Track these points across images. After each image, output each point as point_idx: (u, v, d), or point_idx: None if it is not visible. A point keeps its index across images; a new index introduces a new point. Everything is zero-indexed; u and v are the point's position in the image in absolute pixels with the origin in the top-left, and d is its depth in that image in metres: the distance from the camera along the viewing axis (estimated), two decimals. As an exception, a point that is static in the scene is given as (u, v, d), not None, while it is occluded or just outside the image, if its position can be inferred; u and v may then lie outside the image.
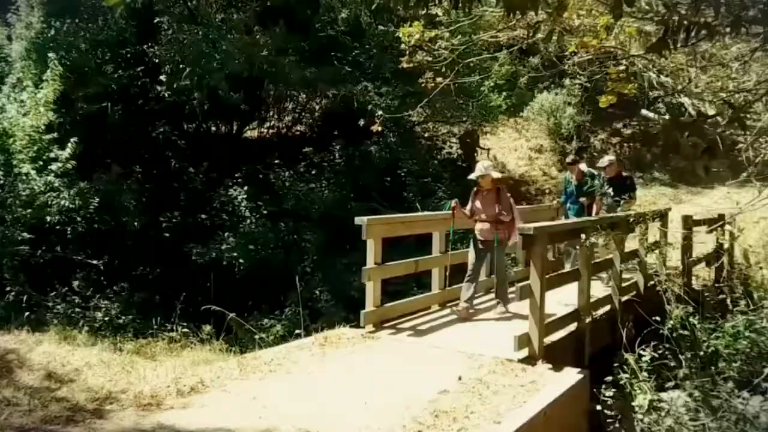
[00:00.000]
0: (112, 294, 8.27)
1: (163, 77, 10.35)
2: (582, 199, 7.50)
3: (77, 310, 7.57)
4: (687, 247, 7.47)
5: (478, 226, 5.94)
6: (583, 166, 7.84)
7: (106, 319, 7.50)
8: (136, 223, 9.33)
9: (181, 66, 10.18)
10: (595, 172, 7.55)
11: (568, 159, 8.30)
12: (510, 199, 5.97)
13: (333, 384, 4.10)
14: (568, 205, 7.80)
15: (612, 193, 7.11)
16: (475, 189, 6.06)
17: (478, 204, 6.00)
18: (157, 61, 10.43)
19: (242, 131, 13.06)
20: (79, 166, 8.95)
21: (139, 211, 9.53)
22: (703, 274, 8.52)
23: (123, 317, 7.65)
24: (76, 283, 8.26)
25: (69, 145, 8.66)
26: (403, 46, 5.72)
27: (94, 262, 8.47)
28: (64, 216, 8.64)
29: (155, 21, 10.67)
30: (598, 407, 4.43)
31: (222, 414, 3.54)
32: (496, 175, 5.98)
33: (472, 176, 6.01)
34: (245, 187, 9.93)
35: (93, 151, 10.08)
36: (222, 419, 3.46)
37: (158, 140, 10.64)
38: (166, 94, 10.41)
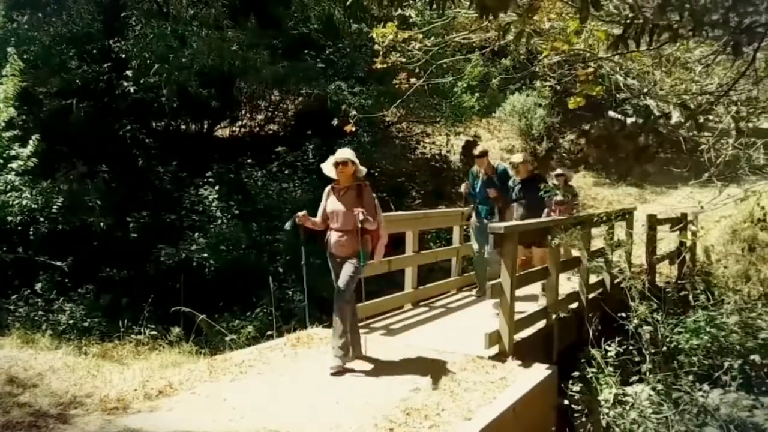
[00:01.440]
0: (77, 296, 8.05)
1: (130, 73, 10.12)
2: (489, 190, 6.49)
3: (40, 313, 7.36)
4: (651, 245, 7.69)
5: (333, 237, 4.43)
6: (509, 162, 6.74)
7: (71, 322, 7.31)
8: (102, 224, 9.10)
9: (149, 62, 9.97)
10: (508, 167, 6.58)
11: (476, 150, 6.91)
12: (375, 201, 4.52)
13: (305, 384, 4.08)
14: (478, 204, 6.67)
15: (521, 198, 6.23)
16: (330, 186, 4.57)
17: (332, 206, 4.46)
18: (124, 56, 10.19)
19: (213, 130, 12.87)
20: (41, 164, 8.67)
21: (105, 211, 9.30)
22: (666, 271, 8.78)
23: (88, 320, 7.47)
24: (39, 285, 8.03)
25: (31, 142, 8.38)
26: (376, 46, 5.74)
27: (58, 263, 8.22)
28: (27, 216, 8.37)
29: (122, 15, 10.44)
30: (566, 402, 4.53)
31: (191, 417, 3.48)
32: (362, 169, 4.46)
33: (325, 167, 4.50)
34: (216, 187, 9.79)
35: (56, 149, 9.80)
36: (191, 422, 3.41)
37: (125, 138, 10.40)
38: (133, 90, 10.18)
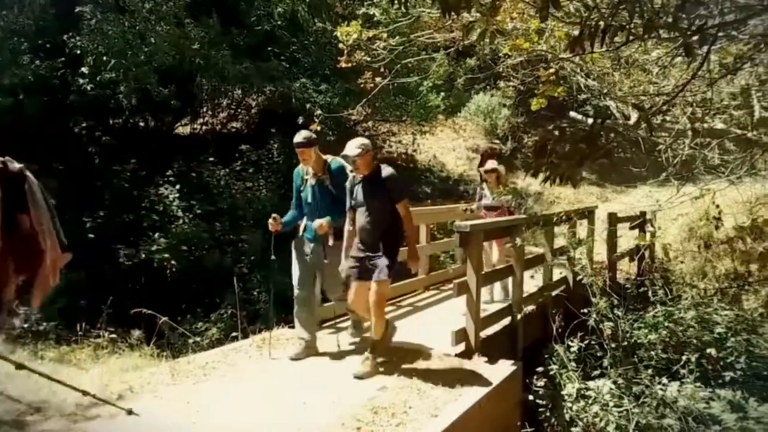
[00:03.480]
0: (31, 299, 7.72)
1: (85, 69, 9.75)
2: (316, 224, 4.45)
3: (-9, 317, 7.02)
4: (612, 242, 7.89)
5: None
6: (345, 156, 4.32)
7: (26, 326, 7.00)
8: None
9: (105, 58, 9.63)
10: (345, 163, 4.40)
11: (298, 137, 4.49)
12: (42, 205, 2.80)
13: (271, 385, 4.02)
14: (304, 219, 4.67)
15: (360, 204, 4.27)
16: None
17: None
18: (78, 52, 9.81)
19: (174, 127, 12.54)
20: (-9, 162, 8.27)
21: (60, 210, 8.89)
22: (626, 268, 9.02)
23: (44, 324, 7.16)
24: (-11, 289, 7.65)
25: (-21, 139, 7.99)
26: (341, 45, 5.70)
27: (10, 265, 7.86)
28: (-25, 216, 7.97)
29: (77, 10, 10.04)
30: (531, 397, 4.60)
31: (153, 421, 3.38)
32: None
33: None
34: (177, 186, 9.54)
35: (6, 147, 9.32)
36: (153, 426, 3.31)
37: (80, 136, 10.03)
38: (89, 87, 9.82)
